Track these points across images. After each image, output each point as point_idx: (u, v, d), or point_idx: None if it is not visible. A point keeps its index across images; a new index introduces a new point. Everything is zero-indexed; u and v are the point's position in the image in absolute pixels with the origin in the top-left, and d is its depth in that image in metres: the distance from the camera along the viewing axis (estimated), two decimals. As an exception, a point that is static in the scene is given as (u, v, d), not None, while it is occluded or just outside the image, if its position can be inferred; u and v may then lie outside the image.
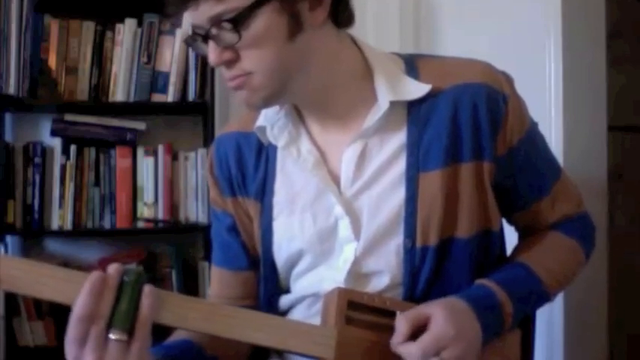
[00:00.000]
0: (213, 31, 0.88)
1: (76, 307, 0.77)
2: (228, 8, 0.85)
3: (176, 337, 1.00)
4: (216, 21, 0.87)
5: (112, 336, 0.77)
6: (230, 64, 0.90)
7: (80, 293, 0.77)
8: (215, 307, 0.89)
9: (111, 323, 0.77)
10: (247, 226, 1.06)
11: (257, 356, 1.05)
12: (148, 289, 0.80)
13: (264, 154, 1.03)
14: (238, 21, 0.86)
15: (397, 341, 0.86)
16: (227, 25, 0.86)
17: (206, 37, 0.89)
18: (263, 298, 1.05)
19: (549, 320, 1.54)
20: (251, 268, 1.07)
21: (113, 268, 0.80)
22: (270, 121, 1.00)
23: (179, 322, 0.83)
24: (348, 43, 0.99)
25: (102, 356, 0.76)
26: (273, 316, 0.98)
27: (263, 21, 0.87)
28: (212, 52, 0.89)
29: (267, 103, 0.95)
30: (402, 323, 0.86)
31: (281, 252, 1.02)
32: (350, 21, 0.97)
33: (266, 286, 1.05)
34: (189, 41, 0.93)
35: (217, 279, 1.11)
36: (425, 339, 0.84)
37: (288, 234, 1.00)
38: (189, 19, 0.91)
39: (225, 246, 1.09)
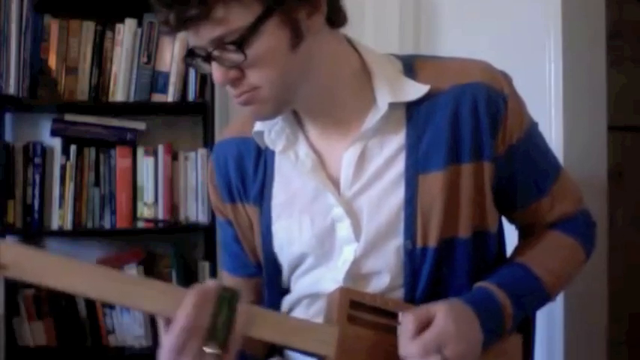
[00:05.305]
0: (216, 52, 0.86)
1: (181, 318, 0.79)
2: (230, 30, 0.84)
3: None
4: (219, 43, 0.85)
5: (208, 349, 0.79)
6: (236, 81, 0.89)
7: (185, 305, 0.79)
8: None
9: (208, 336, 0.79)
10: (247, 232, 1.06)
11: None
12: (243, 305, 0.82)
13: (263, 158, 1.03)
14: (242, 42, 0.84)
15: (404, 337, 0.86)
16: (231, 47, 0.85)
17: (208, 58, 0.87)
18: (268, 303, 1.05)
19: (549, 319, 1.54)
20: (259, 274, 1.08)
21: (212, 283, 0.82)
22: (268, 126, 1.00)
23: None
24: (345, 45, 0.99)
25: None
26: (277, 312, 0.98)
27: (266, 37, 0.85)
28: (216, 72, 0.88)
29: (276, 113, 0.95)
30: (409, 320, 0.86)
31: (283, 255, 1.02)
32: (344, 20, 0.97)
33: (270, 289, 1.05)
34: (188, 61, 0.91)
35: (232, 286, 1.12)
36: (426, 336, 0.85)
37: (288, 237, 1.00)
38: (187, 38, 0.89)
39: (233, 254, 1.10)
